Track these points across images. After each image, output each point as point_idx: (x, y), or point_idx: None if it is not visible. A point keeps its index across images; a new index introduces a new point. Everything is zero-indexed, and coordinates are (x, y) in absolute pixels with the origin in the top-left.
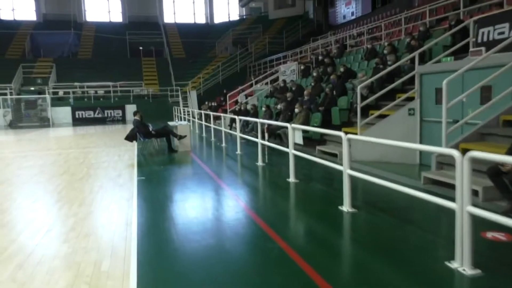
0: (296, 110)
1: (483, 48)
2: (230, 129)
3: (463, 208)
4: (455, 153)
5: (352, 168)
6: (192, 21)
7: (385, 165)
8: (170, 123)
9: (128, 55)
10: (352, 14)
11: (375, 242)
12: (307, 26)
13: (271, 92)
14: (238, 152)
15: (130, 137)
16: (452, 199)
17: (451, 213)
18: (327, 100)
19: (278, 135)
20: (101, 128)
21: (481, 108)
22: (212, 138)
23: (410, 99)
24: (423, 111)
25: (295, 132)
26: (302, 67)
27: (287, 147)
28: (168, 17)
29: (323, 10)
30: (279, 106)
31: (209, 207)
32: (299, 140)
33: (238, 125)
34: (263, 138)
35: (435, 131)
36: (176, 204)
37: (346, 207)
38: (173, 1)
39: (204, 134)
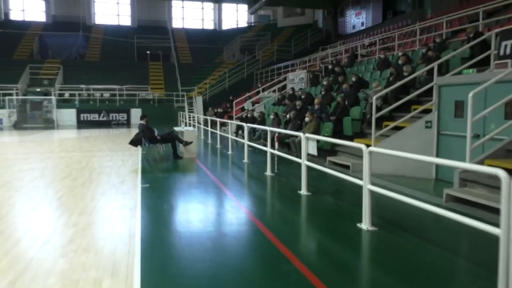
0: (307, 118)
1: (509, 61)
2: (236, 136)
3: (511, 235)
4: (501, 173)
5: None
6: (200, 27)
7: (401, 179)
8: (176, 129)
9: (135, 59)
10: (362, 24)
11: (400, 266)
12: (316, 35)
13: (279, 99)
14: (245, 160)
15: (135, 142)
16: (479, 219)
17: (478, 234)
18: (338, 110)
19: (286, 143)
20: (105, 132)
21: (508, 123)
22: (218, 145)
23: (427, 111)
24: (441, 124)
25: (308, 141)
26: (311, 76)
27: (296, 156)
28: (177, 22)
29: (333, 20)
30: (288, 116)
31: (217, 220)
32: (313, 151)
33: (246, 132)
34: (272, 147)
35: (454, 145)
36: (182, 216)
37: (365, 225)
38: (182, 7)
39: (209, 141)
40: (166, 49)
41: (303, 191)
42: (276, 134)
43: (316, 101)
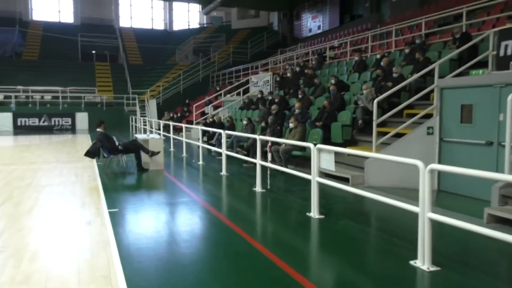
0: (291, 124)
1: None
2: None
3: None
4: None
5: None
6: (150, 27)
7: (407, 192)
8: (139, 137)
9: (79, 58)
10: (319, 27)
11: None
12: (271, 37)
13: (245, 103)
14: (223, 172)
15: (91, 153)
16: None
17: None
18: (325, 115)
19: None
20: (47, 138)
21: None
22: (184, 154)
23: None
24: (444, 130)
25: (321, 153)
26: (277, 78)
27: (282, 166)
28: (125, 21)
29: (289, 23)
30: (263, 123)
31: (229, 267)
32: (329, 165)
33: (223, 140)
34: (263, 158)
35: (458, 153)
36: (179, 262)
37: (425, 264)
38: (130, 5)
39: (171, 148)
40: (113, 49)
41: (314, 214)
42: (269, 144)
43: (296, 105)
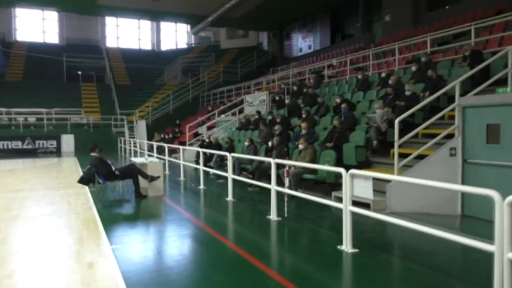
0: (301, 146)
1: None
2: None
3: None
4: None
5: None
6: (137, 47)
7: (430, 218)
8: (136, 160)
9: (65, 79)
10: (310, 47)
11: None
12: (261, 57)
13: (242, 123)
14: (229, 198)
15: (86, 180)
16: None
17: None
18: (335, 135)
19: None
20: (32, 162)
21: None
22: (181, 177)
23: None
24: (467, 151)
25: (354, 179)
26: (276, 98)
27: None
28: (111, 42)
29: (279, 42)
30: (270, 143)
31: None
32: (367, 193)
33: (229, 163)
34: (279, 183)
35: (484, 176)
36: None
37: None
38: (117, 25)
39: (167, 171)
40: (100, 69)
41: (347, 247)
42: (287, 168)
43: (303, 125)
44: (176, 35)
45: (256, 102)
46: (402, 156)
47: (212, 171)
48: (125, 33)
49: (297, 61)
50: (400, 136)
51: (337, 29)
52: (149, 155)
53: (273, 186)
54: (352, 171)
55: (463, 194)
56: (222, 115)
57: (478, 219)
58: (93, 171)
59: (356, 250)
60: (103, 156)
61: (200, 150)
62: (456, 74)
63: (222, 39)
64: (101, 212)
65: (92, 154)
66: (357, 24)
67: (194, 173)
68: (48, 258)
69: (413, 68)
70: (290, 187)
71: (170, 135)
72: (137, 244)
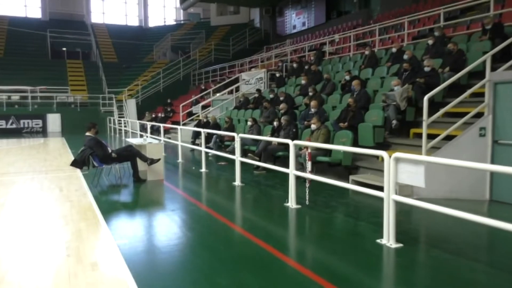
0: (313, 126)
1: None
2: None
3: None
4: None
5: None
6: (124, 23)
7: (459, 204)
8: (133, 141)
9: (49, 56)
10: (304, 24)
11: None
12: (253, 34)
13: (241, 102)
14: (238, 183)
15: (79, 163)
16: None
17: None
18: (350, 114)
19: (277, 157)
20: (17, 143)
21: None
22: (180, 159)
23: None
24: (498, 131)
25: (399, 164)
26: (277, 75)
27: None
28: (96, 17)
29: (271, 19)
30: (276, 122)
31: None
32: (417, 181)
33: (238, 145)
34: (300, 167)
35: None
36: None
37: None
38: (103, 0)
39: (163, 153)
40: (86, 46)
41: (389, 242)
42: (308, 151)
43: (312, 103)
44: (164, 11)
45: (253, 80)
46: (421, 137)
47: (212, 152)
48: (111, 8)
49: (291, 39)
50: (420, 115)
51: (332, 6)
52: (141, 136)
53: (291, 171)
54: (398, 154)
55: (492, 178)
56: (218, 94)
57: (508, 204)
58: (87, 152)
59: (400, 245)
60: (99, 136)
61: (202, 130)
62: (475, 48)
63: (212, 15)
64: (99, 199)
65: (88, 134)
66: (354, 0)
67: (191, 154)
68: (43, 258)
69: (430, 42)
70: (311, 171)
71: (163, 115)
72: (146, 239)
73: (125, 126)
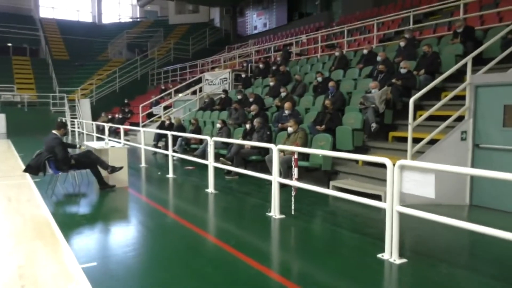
0: (290, 129)
1: None
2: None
3: None
4: None
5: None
6: (75, 19)
7: (441, 209)
8: (92, 145)
9: None
10: (265, 25)
11: None
12: (214, 34)
13: (206, 103)
14: (211, 190)
15: (34, 168)
16: None
17: None
18: (327, 116)
19: (249, 162)
20: None
21: None
22: (143, 164)
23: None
24: (479, 135)
25: (403, 171)
26: (243, 75)
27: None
28: (45, 12)
29: (232, 19)
30: (248, 125)
31: None
32: (427, 191)
33: (211, 149)
34: (285, 174)
35: (500, 162)
36: None
37: None
38: None
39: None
40: (33, 42)
41: (391, 257)
42: (295, 156)
43: (286, 105)
44: (119, 8)
45: (217, 80)
46: (399, 140)
47: (177, 155)
48: (61, 3)
49: (252, 39)
50: (400, 119)
51: (294, 7)
52: (98, 138)
53: (275, 178)
54: (403, 162)
55: (472, 183)
56: (180, 94)
57: (487, 209)
58: (44, 157)
59: (404, 261)
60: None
61: (169, 133)
62: (446, 51)
63: (170, 14)
64: (56, 211)
65: (54, 132)
66: (316, 2)
67: (153, 158)
68: None
69: (402, 44)
70: (298, 179)
71: (120, 116)
72: (117, 261)
73: (79, 128)
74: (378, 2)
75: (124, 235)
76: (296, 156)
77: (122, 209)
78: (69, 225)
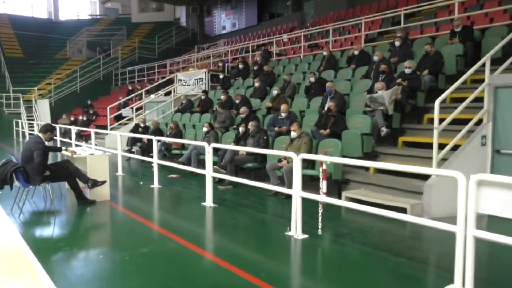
0: (294, 133)
1: None
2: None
3: None
4: None
5: None
6: (30, 15)
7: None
8: (66, 153)
9: None
10: (234, 25)
11: None
12: (180, 34)
13: (183, 105)
14: (209, 203)
15: (1, 180)
16: None
17: None
18: (331, 120)
19: (242, 169)
20: None
21: None
22: (120, 172)
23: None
24: (499, 140)
25: (481, 188)
26: (221, 76)
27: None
28: None
29: (198, 19)
30: (241, 128)
31: None
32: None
33: (210, 156)
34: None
35: None
36: None
37: None
38: None
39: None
40: None
41: None
42: (324, 167)
43: (283, 107)
44: (77, 5)
45: (191, 81)
46: (409, 145)
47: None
48: None
49: (221, 40)
50: (407, 122)
51: (264, 8)
52: (62, 143)
53: (296, 192)
54: (481, 176)
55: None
56: (152, 96)
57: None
58: (10, 167)
59: None
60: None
61: (154, 138)
62: (446, 52)
63: (133, 12)
64: (28, 234)
65: (39, 135)
66: (287, 3)
67: (127, 164)
68: None
69: (397, 43)
70: (326, 193)
71: (84, 118)
72: None
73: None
74: (352, 3)
75: (120, 266)
76: (324, 167)
77: (108, 230)
78: (47, 253)
